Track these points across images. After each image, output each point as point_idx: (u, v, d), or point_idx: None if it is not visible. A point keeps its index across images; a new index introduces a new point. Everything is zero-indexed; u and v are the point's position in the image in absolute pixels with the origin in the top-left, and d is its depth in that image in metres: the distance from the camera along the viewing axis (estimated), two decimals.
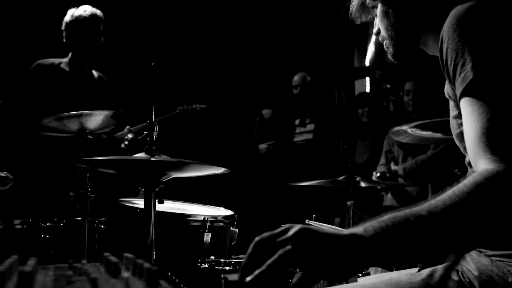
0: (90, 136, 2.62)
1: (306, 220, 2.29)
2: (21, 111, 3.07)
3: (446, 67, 1.10)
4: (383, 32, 1.32)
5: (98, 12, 3.24)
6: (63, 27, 3.24)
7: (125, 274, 0.80)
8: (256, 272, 0.81)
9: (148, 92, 1.92)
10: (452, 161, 2.94)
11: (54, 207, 2.69)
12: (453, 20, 1.07)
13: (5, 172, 2.21)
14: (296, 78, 4.72)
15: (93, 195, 2.29)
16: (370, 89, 6.51)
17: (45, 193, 2.96)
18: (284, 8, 5.57)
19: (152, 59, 1.97)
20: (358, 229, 0.84)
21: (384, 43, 1.34)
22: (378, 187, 3.92)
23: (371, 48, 6.65)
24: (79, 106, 3.06)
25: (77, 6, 3.25)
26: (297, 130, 4.69)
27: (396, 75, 6.61)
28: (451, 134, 1.34)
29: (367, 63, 6.65)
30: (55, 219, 2.33)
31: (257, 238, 0.85)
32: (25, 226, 2.25)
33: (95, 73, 3.35)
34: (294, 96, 4.71)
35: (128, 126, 3.13)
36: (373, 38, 6.62)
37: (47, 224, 2.30)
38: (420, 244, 0.85)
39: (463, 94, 1.02)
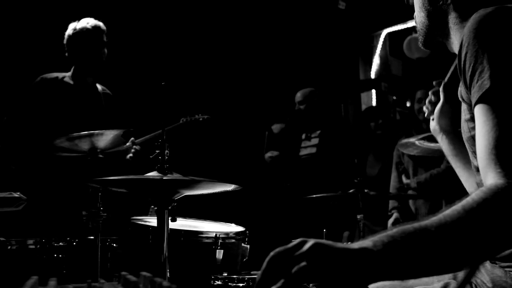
0: (101, 155, 2.65)
1: None
2: (27, 127, 3.07)
3: (463, 72, 1.08)
4: (416, 14, 1.33)
5: (100, 23, 3.22)
6: (65, 41, 3.22)
7: None
8: None
9: (155, 106, 1.94)
10: None
11: (67, 226, 2.70)
12: (474, 24, 1.05)
13: (18, 193, 2.22)
14: (299, 94, 4.67)
15: (105, 214, 2.30)
16: (376, 101, 6.51)
17: (58, 213, 2.96)
18: (290, 22, 5.62)
19: (160, 74, 1.98)
20: (367, 243, 0.84)
21: (416, 29, 1.35)
22: (392, 202, 3.89)
23: (376, 61, 6.68)
24: (85, 119, 3.09)
25: (78, 20, 3.22)
26: (303, 144, 4.68)
27: (401, 86, 6.62)
28: None
29: (372, 76, 6.67)
30: (68, 238, 2.33)
31: (271, 254, 0.84)
32: (38, 246, 2.25)
33: (99, 86, 3.33)
34: (299, 112, 4.67)
35: (132, 138, 3.10)
36: (378, 50, 6.65)
37: (60, 243, 2.30)
38: (429, 259, 0.84)
39: (478, 102, 1.00)
